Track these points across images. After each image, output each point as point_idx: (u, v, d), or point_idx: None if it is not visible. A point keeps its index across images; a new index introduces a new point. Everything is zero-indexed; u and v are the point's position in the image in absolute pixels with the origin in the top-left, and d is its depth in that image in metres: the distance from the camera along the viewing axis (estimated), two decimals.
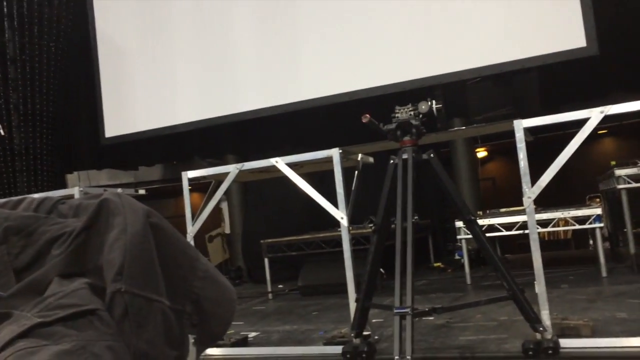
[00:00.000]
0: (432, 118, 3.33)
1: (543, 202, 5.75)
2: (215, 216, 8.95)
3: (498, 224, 5.78)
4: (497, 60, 5.97)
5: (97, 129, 8.20)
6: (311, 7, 6.85)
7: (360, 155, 4.10)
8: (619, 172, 5.37)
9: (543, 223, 5.49)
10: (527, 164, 3.28)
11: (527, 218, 3.34)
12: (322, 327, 4.42)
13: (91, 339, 0.68)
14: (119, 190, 4.49)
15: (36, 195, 0.98)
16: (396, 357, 2.65)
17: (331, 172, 3.76)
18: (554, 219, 5.52)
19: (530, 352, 3.00)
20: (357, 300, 3.41)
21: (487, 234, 5.34)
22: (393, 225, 3.18)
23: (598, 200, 7.51)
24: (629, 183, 5.32)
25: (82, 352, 0.66)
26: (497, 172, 12.80)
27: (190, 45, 7.59)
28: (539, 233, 3.52)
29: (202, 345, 0.91)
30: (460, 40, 6.13)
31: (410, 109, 3.27)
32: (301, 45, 6.91)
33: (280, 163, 3.90)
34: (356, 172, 4.03)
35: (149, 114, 7.80)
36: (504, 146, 10.64)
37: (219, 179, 4.22)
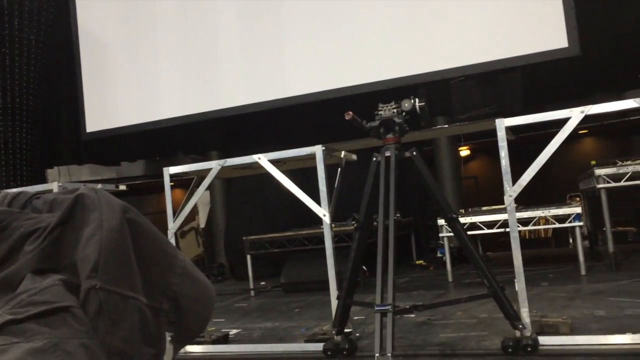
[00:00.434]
0: (415, 116, 3.34)
1: (524, 200, 5.80)
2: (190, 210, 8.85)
3: (480, 222, 5.82)
4: (481, 59, 6.01)
5: (78, 123, 8.10)
6: (296, 4, 6.84)
7: (343, 153, 4.10)
8: (599, 171, 5.44)
9: (524, 221, 5.55)
10: (508, 162, 3.30)
11: (508, 216, 3.36)
12: (304, 324, 4.42)
13: (64, 336, 0.67)
14: (99, 185, 4.44)
15: (11, 190, 0.96)
16: (376, 355, 2.65)
17: (314, 169, 3.75)
18: (534, 218, 5.58)
19: (510, 350, 3.03)
20: (338, 298, 3.41)
21: (469, 232, 5.39)
22: (375, 223, 3.19)
23: (578, 199, 7.61)
24: (608, 182, 5.39)
25: (55, 349, 0.65)
26: (480, 170, 12.90)
27: (174, 39, 7.53)
28: (519, 231, 3.55)
29: (179, 343, 0.90)
30: (445, 39, 6.16)
31: (394, 106, 3.28)
32: (286, 42, 6.89)
33: (263, 159, 3.88)
34: (339, 169, 4.03)
35: (131, 109, 7.73)
36: (486, 145, 10.73)
37: (201, 175, 4.19)
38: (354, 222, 4.26)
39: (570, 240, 7.27)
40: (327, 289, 3.66)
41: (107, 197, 0.83)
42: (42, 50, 8.46)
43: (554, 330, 3.29)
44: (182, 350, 3.65)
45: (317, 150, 3.74)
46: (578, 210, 5.48)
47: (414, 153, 3.27)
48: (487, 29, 6.00)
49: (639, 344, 2.97)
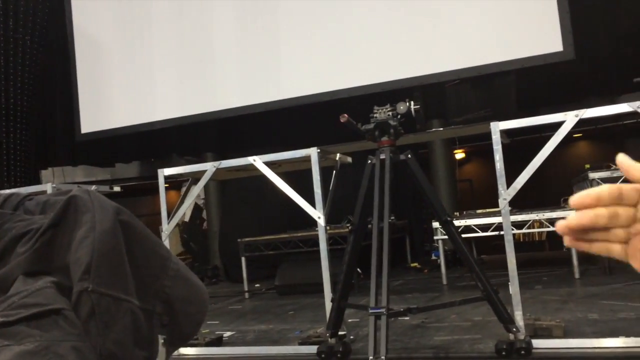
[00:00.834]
0: (410, 119, 3.34)
1: (518, 203, 5.82)
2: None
3: (474, 225, 5.83)
4: (476, 62, 6.02)
5: (73, 124, 8.08)
6: (293, 6, 6.84)
7: (338, 155, 4.10)
8: (593, 175, 5.46)
9: (518, 224, 5.55)
10: (503, 165, 3.31)
11: (502, 219, 3.37)
12: (298, 326, 4.41)
13: (55, 339, 0.66)
14: (93, 187, 4.43)
15: (3, 191, 0.96)
16: (370, 357, 2.65)
17: (309, 172, 3.75)
18: (529, 221, 5.59)
19: (503, 353, 3.03)
20: (332, 300, 3.41)
21: (464, 235, 5.39)
22: (370, 226, 3.19)
23: None
24: None
25: (46, 352, 0.65)
26: (475, 173, 12.92)
27: (169, 40, 7.52)
28: (514, 234, 3.56)
29: (172, 346, 0.89)
30: (440, 42, 6.17)
31: (389, 109, 3.28)
32: (282, 44, 6.89)
33: (258, 162, 3.88)
34: (334, 171, 4.03)
35: (126, 110, 7.71)
36: (481, 148, 10.75)
37: (196, 177, 4.19)
38: (348, 225, 4.26)
39: (564, 244, 7.28)
40: (322, 291, 3.66)
41: (100, 199, 0.82)
42: (36, 51, 8.43)
43: (548, 334, 3.29)
44: (175, 353, 3.64)
45: (312, 152, 3.74)
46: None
47: (409, 156, 3.27)
48: (483, 32, 6.02)
49: (632, 347, 2.98)
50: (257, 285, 7.18)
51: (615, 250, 0.58)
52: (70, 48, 8.08)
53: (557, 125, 3.23)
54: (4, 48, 8.06)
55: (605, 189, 0.56)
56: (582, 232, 0.59)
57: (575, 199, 0.58)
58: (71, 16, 8.13)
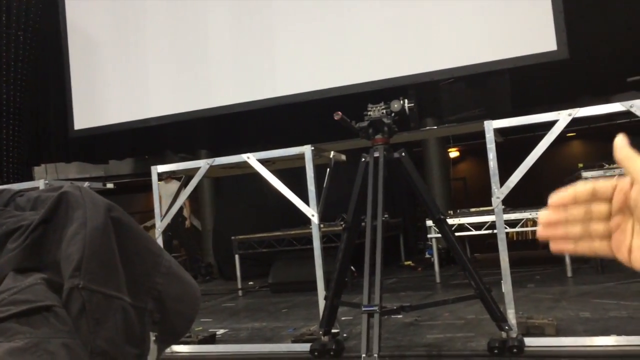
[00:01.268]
0: (404, 117, 3.34)
1: (512, 202, 5.83)
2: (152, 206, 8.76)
3: (468, 224, 5.84)
4: (470, 61, 6.03)
5: (66, 120, 8.03)
6: (287, 4, 6.82)
7: (332, 153, 4.09)
8: (586, 174, 5.48)
9: (511, 223, 5.57)
10: (496, 164, 3.32)
11: (495, 218, 3.37)
12: (292, 324, 4.41)
13: (46, 336, 0.66)
14: (86, 184, 4.41)
15: None
16: (363, 355, 2.66)
17: (303, 169, 3.75)
18: (522, 219, 5.61)
19: (496, 351, 3.04)
20: (326, 298, 3.41)
21: (457, 233, 5.40)
22: (363, 224, 3.19)
23: None
24: None
25: (36, 349, 0.64)
26: (468, 172, 12.95)
27: (164, 37, 7.50)
28: (507, 233, 3.56)
29: (163, 343, 0.89)
30: (434, 41, 6.17)
31: (383, 107, 3.28)
32: (276, 41, 6.88)
33: (251, 159, 3.87)
34: (328, 169, 4.03)
35: (120, 106, 7.67)
36: (475, 147, 10.77)
37: (190, 174, 4.17)
38: (342, 223, 4.27)
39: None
40: (315, 289, 3.66)
41: (92, 196, 0.82)
42: (30, 47, 8.39)
43: (540, 332, 3.31)
44: (168, 350, 3.63)
45: (306, 150, 3.74)
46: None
47: (403, 154, 3.28)
48: (477, 31, 6.03)
49: (623, 346, 3.00)
50: (251, 283, 7.18)
51: (600, 247, 0.60)
52: (63, 44, 8.03)
53: (551, 124, 3.24)
54: None
55: (580, 187, 0.59)
56: (561, 232, 0.61)
57: (552, 199, 0.60)
58: (65, 12, 8.08)
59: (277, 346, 3.74)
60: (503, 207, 3.38)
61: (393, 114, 3.29)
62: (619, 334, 3.13)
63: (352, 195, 3.31)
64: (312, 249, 3.74)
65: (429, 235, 6.10)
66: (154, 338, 0.89)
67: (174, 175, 4.37)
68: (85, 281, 0.72)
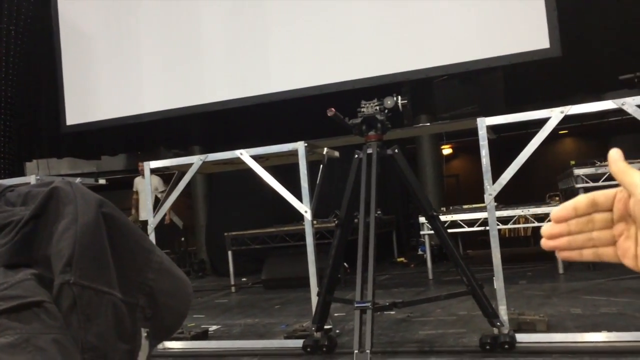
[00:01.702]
0: (397, 114, 3.34)
1: (504, 199, 5.86)
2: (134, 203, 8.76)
3: (460, 220, 5.86)
4: (464, 59, 6.04)
5: (58, 116, 7.98)
6: (280, 0, 6.81)
7: (325, 149, 4.09)
8: (578, 171, 5.51)
9: (504, 220, 5.60)
10: (489, 161, 3.33)
11: (488, 215, 3.39)
12: (284, 320, 4.42)
13: (36, 331, 0.66)
14: (77, 179, 4.39)
15: None
16: (355, 351, 2.66)
17: (297, 166, 3.74)
18: (514, 216, 5.63)
19: (487, 347, 3.06)
20: (318, 294, 3.41)
21: (450, 230, 5.43)
22: (356, 220, 3.19)
23: (557, 198, 7.69)
24: (587, 182, 5.46)
25: (26, 345, 0.64)
26: (461, 169, 12.99)
27: (157, 32, 7.46)
28: (499, 230, 3.58)
29: (155, 339, 0.89)
30: (428, 38, 6.18)
31: (376, 104, 3.28)
32: (270, 38, 6.86)
33: (244, 155, 3.87)
34: (321, 166, 4.03)
35: (112, 102, 7.63)
36: (468, 144, 10.80)
37: (183, 170, 4.16)
38: (335, 219, 4.27)
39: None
40: (308, 285, 3.67)
41: (83, 191, 0.81)
42: (21, 42, 8.33)
43: (531, 328, 3.33)
44: (160, 346, 3.63)
45: (299, 146, 3.74)
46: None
47: (396, 151, 3.28)
48: (470, 28, 6.03)
49: (614, 342, 3.02)
50: (244, 279, 7.18)
51: (605, 254, 0.61)
52: (55, 39, 7.97)
53: (543, 122, 3.25)
54: None
55: (580, 199, 0.60)
56: (565, 242, 0.62)
57: (554, 213, 0.62)
58: (57, 6, 8.02)
59: (270, 342, 3.74)
60: (495, 204, 3.39)
61: (386, 111, 3.29)
62: (609, 329, 3.15)
63: (345, 191, 3.32)
64: (305, 246, 3.74)
65: (421, 232, 6.12)
66: (146, 334, 0.89)
67: (167, 170, 4.35)
68: (76, 277, 0.72)
